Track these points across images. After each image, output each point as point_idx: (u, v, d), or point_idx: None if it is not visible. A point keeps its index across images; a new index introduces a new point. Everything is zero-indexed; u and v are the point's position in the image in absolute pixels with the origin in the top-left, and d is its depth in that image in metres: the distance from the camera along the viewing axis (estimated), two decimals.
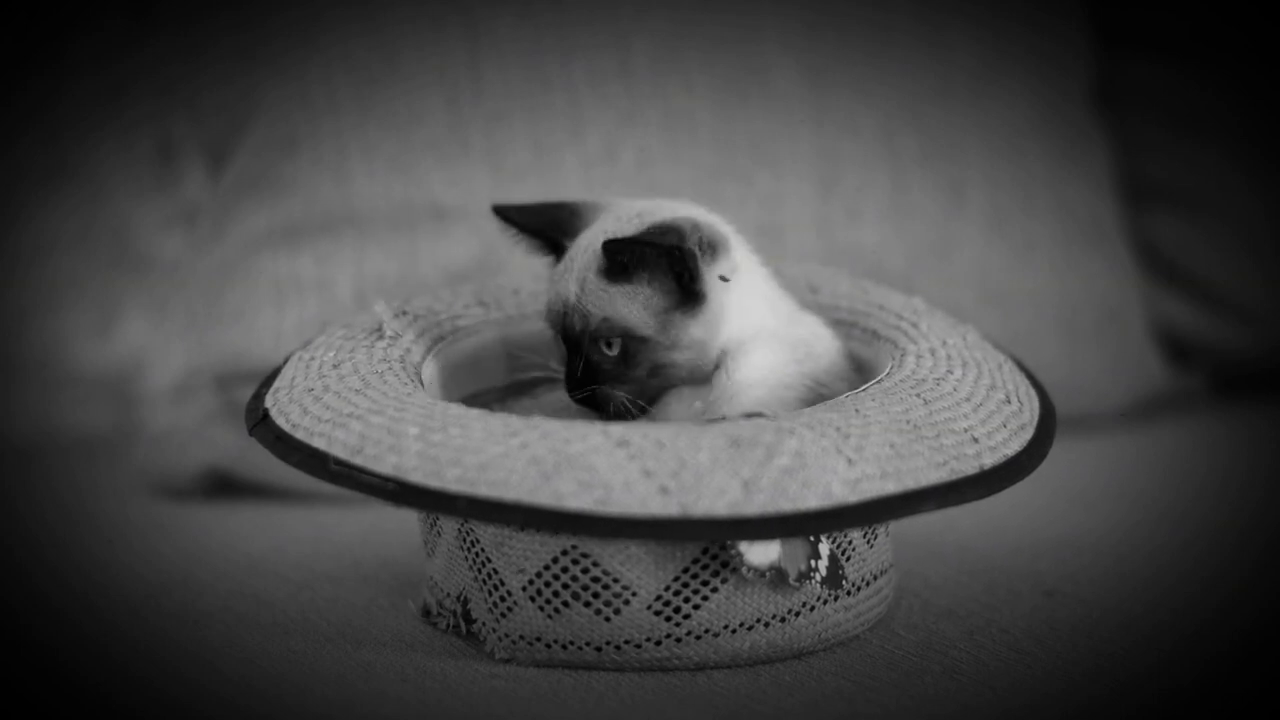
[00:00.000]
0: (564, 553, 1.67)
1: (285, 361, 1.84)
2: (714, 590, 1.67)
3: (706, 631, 1.68)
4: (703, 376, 1.79)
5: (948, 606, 1.84)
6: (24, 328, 2.84)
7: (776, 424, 1.63)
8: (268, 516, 2.36)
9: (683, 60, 2.56)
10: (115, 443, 2.80)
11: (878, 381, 1.77)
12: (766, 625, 1.69)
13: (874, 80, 2.62)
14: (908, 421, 1.67)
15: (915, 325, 1.89)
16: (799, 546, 1.67)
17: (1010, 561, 1.99)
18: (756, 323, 1.81)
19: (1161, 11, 2.82)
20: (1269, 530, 2.17)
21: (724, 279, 1.78)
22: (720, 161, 2.55)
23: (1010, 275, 2.64)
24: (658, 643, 1.68)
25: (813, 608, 1.71)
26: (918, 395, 1.72)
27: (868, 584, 1.76)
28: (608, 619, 1.68)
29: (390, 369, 1.78)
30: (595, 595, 1.67)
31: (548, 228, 1.84)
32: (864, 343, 1.92)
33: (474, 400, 1.93)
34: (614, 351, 1.76)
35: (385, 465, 1.63)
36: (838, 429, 1.63)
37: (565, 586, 1.68)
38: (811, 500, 1.59)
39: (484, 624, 1.73)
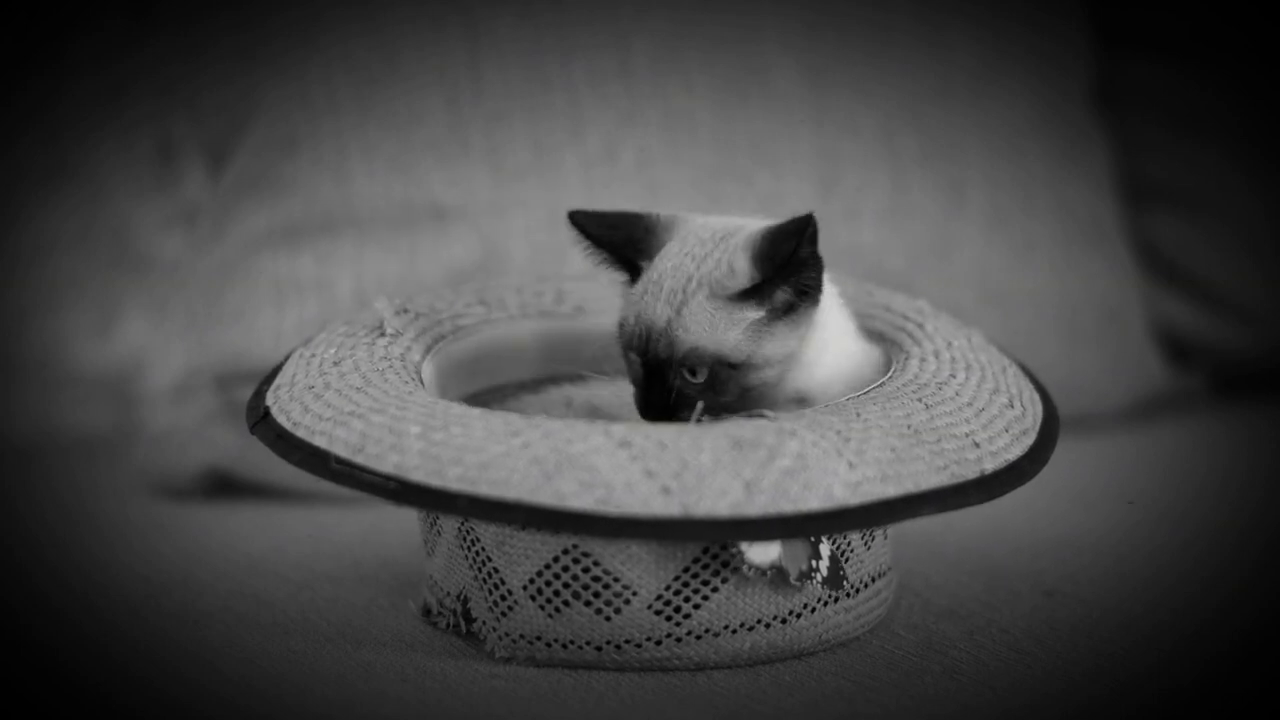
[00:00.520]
0: (565, 552, 1.67)
1: (286, 359, 1.84)
2: (714, 590, 1.67)
3: (707, 631, 1.68)
4: (779, 394, 1.76)
5: (948, 606, 1.84)
6: (24, 328, 2.84)
7: (778, 425, 1.63)
8: (268, 516, 2.36)
9: (683, 60, 2.56)
10: (115, 443, 2.80)
11: (879, 385, 1.77)
12: (767, 626, 1.69)
13: (874, 80, 2.62)
14: (908, 426, 1.67)
15: (920, 327, 1.89)
16: (800, 547, 1.68)
17: (1010, 561, 1.99)
18: (836, 339, 1.79)
19: (1161, 11, 2.82)
20: (1269, 530, 2.17)
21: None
22: (720, 161, 2.55)
23: (1010, 275, 2.64)
24: (658, 642, 1.68)
25: (813, 609, 1.71)
26: (919, 400, 1.72)
27: (866, 586, 1.76)
28: (608, 618, 1.68)
29: (391, 367, 1.78)
30: (596, 595, 1.67)
31: (623, 244, 1.79)
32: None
33: (486, 396, 1.93)
34: (699, 379, 1.73)
35: (387, 464, 1.63)
36: (838, 432, 1.63)
37: (566, 586, 1.68)
38: (813, 502, 1.59)
39: (484, 623, 1.73)
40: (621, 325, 1.78)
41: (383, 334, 1.85)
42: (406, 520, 2.01)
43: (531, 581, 1.69)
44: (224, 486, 2.51)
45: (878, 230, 2.59)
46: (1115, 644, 1.73)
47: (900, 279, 2.55)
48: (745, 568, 1.65)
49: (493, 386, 1.96)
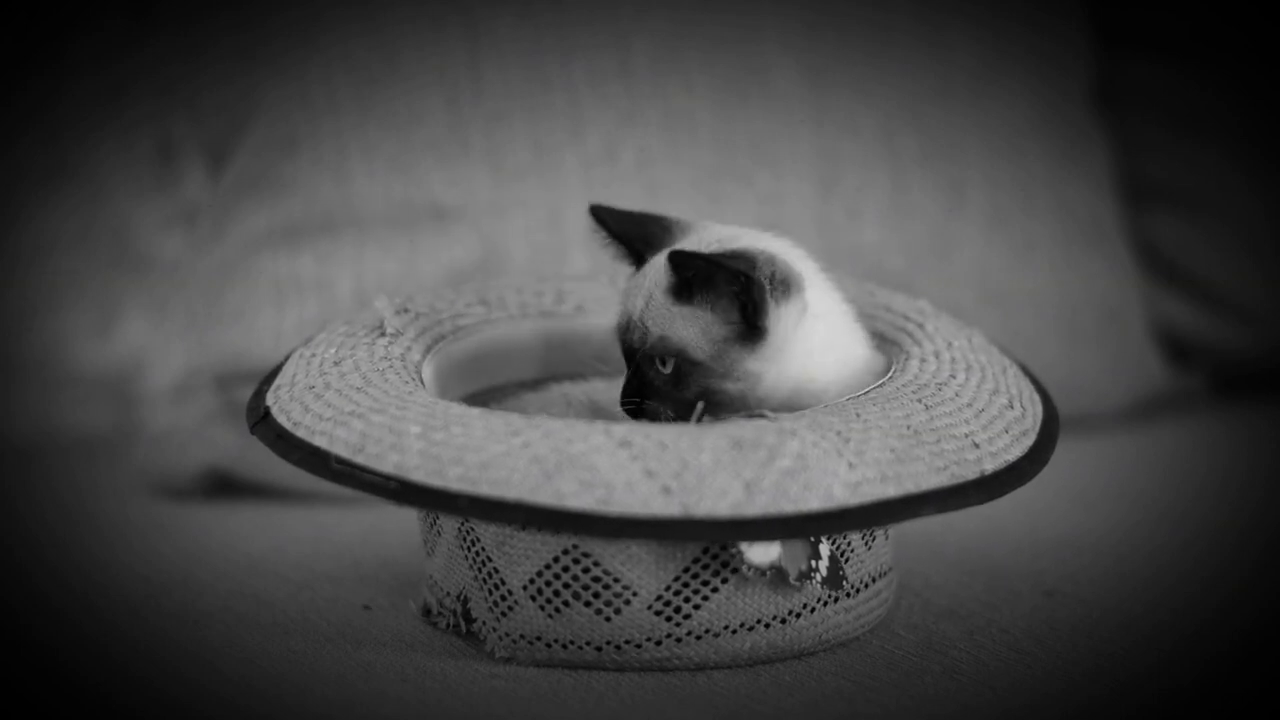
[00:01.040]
0: (565, 552, 1.67)
1: (286, 359, 1.84)
2: (714, 591, 1.67)
3: (707, 632, 1.68)
4: (755, 407, 1.76)
5: (948, 606, 1.84)
6: (24, 328, 2.84)
7: (778, 426, 1.63)
8: (268, 516, 2.36)
9: (683, 60, 2.56)
10: (115, 443, 2.80)
11: (879, 385, 1.77)
12: (766, 626, 1.69)
13: (874, 80, 2.62)
14: (908, 427, 1.67)
15: (921, 327, 1.89)
16: (799, 547, 1.68)
17: (1010, 561, 1.99)
18: (830, 361, 1.79)
19: (1161, 11, 2.82)
20: (1269, 530, 2.17)
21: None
22: (720, 161, 2.55)
23: (1010, 275, 2.64)
24: (658, 643, 1.68)
25: (813, 609, 1.71)
26: (919, 400, 1.72)
27: (866, 586, 1.76)
28: (608, 619, 1.68)
29: (391, 367, 1.78)
30: (596, 595, 1.67)
31: (637, 239, 1.82)
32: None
33: (486, 395, 1.93)
34: (667, 370, 1.75)
35: (387, 464, 1.63)
36: (838, 432, 1.63)
37: (566, 586, 1.68)
38: (813, 502, 1.59)
39: (484, 623, 1.73)
40: (617, 324, 1.81)
41: (383, 334, 1.85)
42: (406, 520, 2.01)
43: (531, 582, 1.69)
44: (224, 486, 2.51)
45: (878, 230, 2.59)
46: (1115, 644, 1.73)
47: (900, 279, 2.55)
48: (745, 568, 1.65)
49: (493, 386, 1.97)
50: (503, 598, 1.71)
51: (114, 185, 2.82)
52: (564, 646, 1.69)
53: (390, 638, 1.78)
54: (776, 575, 1.67)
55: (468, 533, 1.72)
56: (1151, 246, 2.82)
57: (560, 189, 2.50)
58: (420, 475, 1.61)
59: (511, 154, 2.51)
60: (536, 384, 1.96)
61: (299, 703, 1.62)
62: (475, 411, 1.66)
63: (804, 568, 1.68)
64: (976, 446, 1.69)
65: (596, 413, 1.85)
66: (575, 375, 1.96)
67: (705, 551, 1.66)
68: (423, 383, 1.81)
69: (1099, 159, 2.76)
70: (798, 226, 2.54)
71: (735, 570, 1.67)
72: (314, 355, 1.82)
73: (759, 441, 1.61)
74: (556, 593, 1.68)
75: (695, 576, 1.67)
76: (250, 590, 1.95)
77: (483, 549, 1.71)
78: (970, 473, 1.66)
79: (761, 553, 1.65)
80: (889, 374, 1.81)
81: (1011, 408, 1.77)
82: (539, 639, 1.70)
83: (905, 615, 1.81)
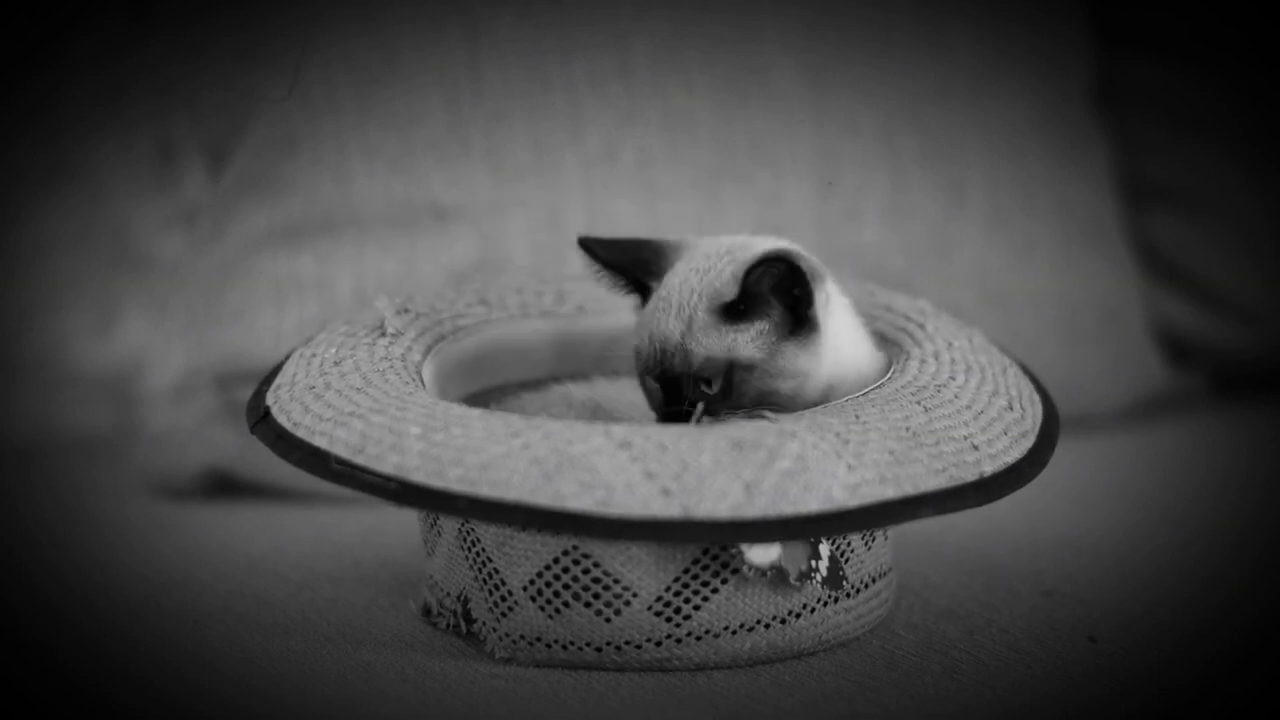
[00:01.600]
0: (565, 553, 1.67)
1: (286, 359, 1.84)
2: (714, 591, 1.67)
3: (707, 632, 1.68)
4: (805, 405, 1.76)
5: (948, 606, 1.84)
6: (24, 328, 2.84)
7: (778, 427, 1.63)
8: (268, 516, 2.36)
9: (683, 60, 2.56)
10: (115, 443, 2.80)
11: (879, 386, 1.77)
12: (766, 627, 1.69)
13: (874, 80, 2.62)
14: (907, 429, 1.67)
15: (922, 327, 1.89)
16: (799, 547, 1.68)
17: (1010, 561, 1.99)
18: (852, 355, 1.80)
19: (1161, 11, 2.82)
20: (1269, 530, 2.17)
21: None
22: (720, 161, 2.55)
23: (1010, 275, 2.64)
24: (658, 643, 1.68)
25: (812, 609, 1.71)
26: (918, 402, 1.72)
27: (866, 586, 1.76)
28: (608, 619, 1.68)
29: (391, 367, 1.78)
30: (596, 596, 1.67)
31: (632, 266, 1.82)
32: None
33: (487, 396, 1.93)
34: (714, 390, 1.74)
35: (387, 464, 1.63)
36: (838, 434, 1.63)
37: (566, 587, 1.68)
38: (812, 504, 1.59)
39: (484, 624, 1.73)
40: (637, 352, 1.79)
41: (383, 334, 1.85)
42: (406, 520, 2.01)
43: (532, 582, 1.69)
44: (224, 486, 2.51)
45: (878, 230, 2.59)
46: (1115, 644, 1.73)
47: (900, 279, 2.55)
48: (745, 568, 1.66)
49: (493, 386, 1.96)
50: (503, 598, 1.71)
51: (114, 185, 2.82)
52: (564, 647, 1.69)
53: (390, 638, 1.78)
54: (777, 575, 1.67)
55: (468, 533, 1.73)
56: (1151, 246, 2.82)
57: (560, 189, 2.50)
58: (420, 476, 1.61)
59: (511, 154, 2.51)
60: (537, 384, 1.96)
61: (299, 703, 1.62)
62: (475, 412, 1.66)
63: (804, 568, 1.68)
64: (975, 448, 1.69)
65: (597, 413, 1.85)
66: (576, 375, 1.96)
67: (705, 552, 1.66)
68: (423, 383, 1.81)
69: (1099, 159, 2.76)
70: (798, 226, 2.54)
71: (735, 571, 1.67)
72: (314, 355, 1.82)
73: (759, 443, 1.61)
74: (556, 593, 1.68)
75: (695, 577, 1.67)
76: (250, 590, 1.95)
77: (483, 549, 1.71)
78: (969, 475, 1.66)
79: (762, 553, 1.65)
80: (889, 374, 1.81)
81: (1011, 409, 1.77)
82: (539, 639, 1.70)
83: (905, 615, 1.81)
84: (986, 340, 1.91)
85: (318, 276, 2.48)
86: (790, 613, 1.70)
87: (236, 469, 2.49)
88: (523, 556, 1.69)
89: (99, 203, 2.83)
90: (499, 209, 2.49)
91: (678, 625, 1.67)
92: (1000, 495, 1.68)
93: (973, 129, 2.65)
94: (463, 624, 1.75)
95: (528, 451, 1.60)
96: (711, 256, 1.78)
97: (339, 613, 1.86)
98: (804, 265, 1.74)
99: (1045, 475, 1.76)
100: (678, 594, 1.67)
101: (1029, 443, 1.74)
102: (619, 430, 1.61)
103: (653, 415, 1.79)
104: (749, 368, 1.73)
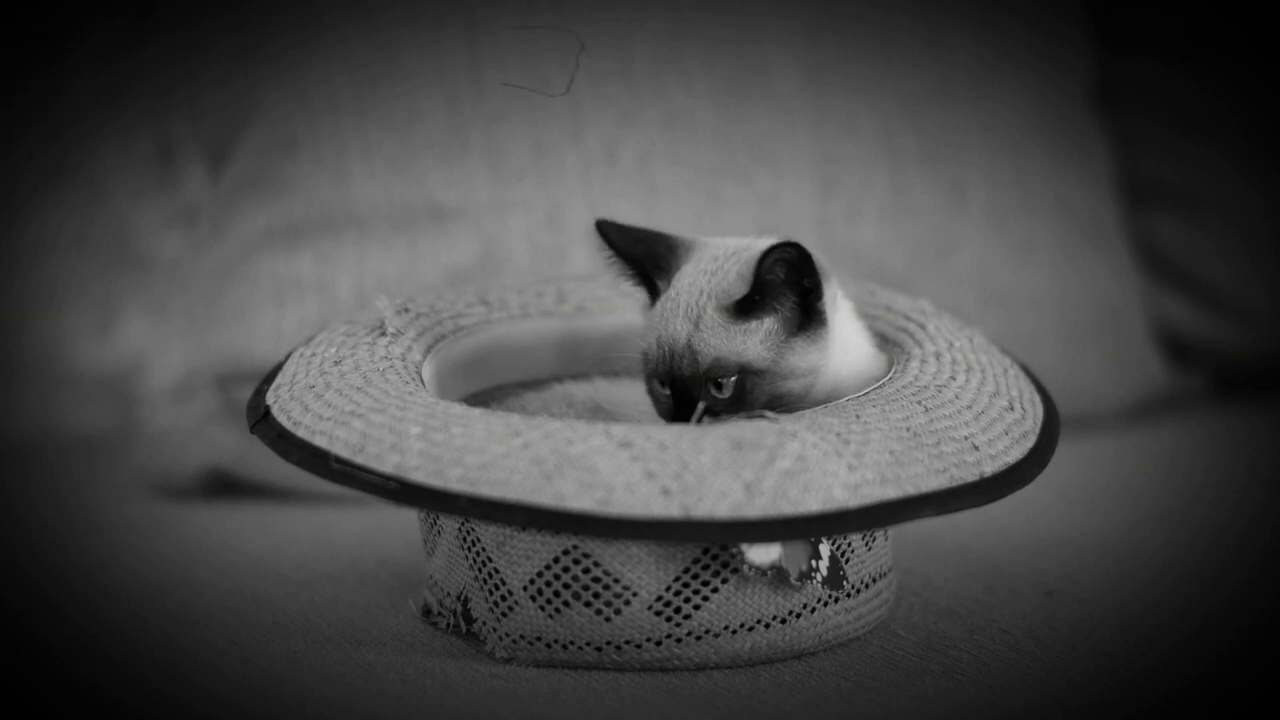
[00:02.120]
0: (565, 553, 1.67)
1: (286, 358, 1.84)
2: (714, 591, 1.67)
3: (707, 632, 1.68)
4: (815, 401, 1.76)
5: (948, 606, 1.84)
6: (24, 328, 2.84)
7: (779, 427, 1.63)
8: (268, 516, 2.37)
9: (683, 60, 2.56)
10: (115, 443, 2.80)
11: (879, 386, 1.77)
12: (767, 626, 1.69)
13: (874, 80, 2.62)
14: (907, 429, 1.67)
15: (922, 327, 1.89)
16: (800, 547, 1.68)
17: (1010, 561, 1.99)
18: (856, 355, 1.80)
19: (1161, 11, 2.82)
20: (1269, 530, 2.17)
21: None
22: (720, 161, 2.55)
23: (1010, 275, 2.64)
24: (658, 643, 1.68)
25: (813, 609, 1.71)
26: (919, 402, 1.72)
27: (867, 586, 1.76)
28: (608, 619, 1.68)
29: (392, 367, 1.78)
30: (596, 595, 1.67)
31: (644, 258, 1.81)
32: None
33: (487, 395, 1.93)
34: (725, 392, 1.74)
35: (387, 464, 1.63)
36: (838, 434, 1.63)
37: (566, 587, 1.68)
38: (812, 504, 1.59)
39: (484, 623, 1.73)
40: (645, 356, 1.79)
41: (383, 333, 1.85)
42: (406, 520, 2.01)
43: (532, 582, 1.69)
44: (224, 486, 2.51)
45: (878, 230, 2.59)
46: (1115, 644, 1.73)
47: (901, 279, 2.55)
48: (745, 568, 1.66)
49: (494, 386, 1.96)
50: (503, 598, 1.71)
51: (114, 185, 2.82)
52: (564, 647, 1.69)
53: (390, 638, 1.78)
54: (777, 575, 1.67)
55: (468, 533, 1.72)
56: (1151, 246, 2.82)
57: (560, 189, 2.50)
58: (420, 476, 1.61)
59: (511, 154, 2.51)
60: (537, 384, 1.96)
61: (299, 703, 1.62)
62: (476, 412, 1.66)
63: (804, 568, 1.68)
64: (976, 449, 1.69)
65: (598, 413, 1.85)
66: (577, 375, 1.96)
67: (705, 552, 1.66)
68: (423, 383, 1.81)
69: (1099, 159, 2.76)
70: (798, 226, 2.54)
71: (735, 570, 1.67)
72: (314, 355, 1.82)
73: (759, 443, 1.61)
74: (557, 593, 1.68)
75: (695, 577, 1.67)
76: (250, 590, 1.95)
77: (483, 549, 1.71)
78: (970, 475, 1.66)
79: (762, 553, 1.65)
80: (890, 374, 1.81)
81: (1011, 410, 1.77)
82: (539, 639, 1.70)
83: (905, 615, 1.81)
84: (987, 340, 1.91)
85: (318, 276, 2.48)
86: (790, 613, 1.70)
87: (236, 469, 2.49)
88: (523, 556, 1.69)
89: (99, 203, 2.83)
90: (499, 209, 2.49)
91: (678, 625, 1.67)
92: (1001, 495, 1.68)
93: (973, 129, 2.65)
94: (463, 624, 1.75)
95: (528, 451, 1.60)
96: (719, 258, 1.78)
97: (339, 613, 1.86)
98: (815, 255, 1.74)
99: (1046, 475, 1.76)
100: (678, 594, 1.67)
101: (1029, 443, 1.74)
102: (619, 430, 1.61)
103: (655, 415, 1.79)
104: (760, 373, 1.73)
